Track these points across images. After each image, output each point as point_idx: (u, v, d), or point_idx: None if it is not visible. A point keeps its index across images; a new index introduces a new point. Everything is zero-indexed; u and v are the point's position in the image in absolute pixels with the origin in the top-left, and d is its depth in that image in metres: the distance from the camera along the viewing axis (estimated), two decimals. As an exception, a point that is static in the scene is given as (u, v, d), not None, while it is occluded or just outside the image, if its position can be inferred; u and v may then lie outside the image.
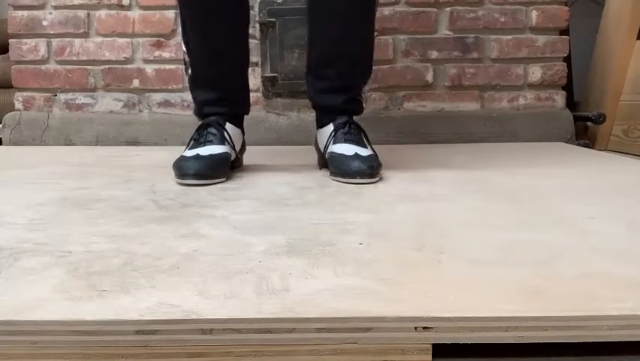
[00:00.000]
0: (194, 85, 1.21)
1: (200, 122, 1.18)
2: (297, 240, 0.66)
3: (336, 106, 1.18)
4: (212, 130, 1.14)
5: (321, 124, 1.22)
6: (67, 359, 0.44)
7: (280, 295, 0.49)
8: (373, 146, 1.16)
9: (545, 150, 1.55)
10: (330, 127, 1.17)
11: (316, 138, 1.25)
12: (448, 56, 1.81)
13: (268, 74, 1.79)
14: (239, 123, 1.23)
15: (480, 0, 1.80)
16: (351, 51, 1.16)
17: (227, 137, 1.15)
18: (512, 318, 0.44)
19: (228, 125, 1.17)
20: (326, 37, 1.17)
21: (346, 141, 1.12)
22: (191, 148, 1.11)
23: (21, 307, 0.46)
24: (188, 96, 1.83)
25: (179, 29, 1.73)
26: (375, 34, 1.71)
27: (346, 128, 1.15)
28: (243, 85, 1.25)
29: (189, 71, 1.20)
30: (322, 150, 1.19)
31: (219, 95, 1.18)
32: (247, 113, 1.27)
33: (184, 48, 1.19)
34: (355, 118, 1.20)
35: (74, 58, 1.83)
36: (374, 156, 1.10)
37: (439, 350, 0.45)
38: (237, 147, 1.20)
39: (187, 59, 1.20)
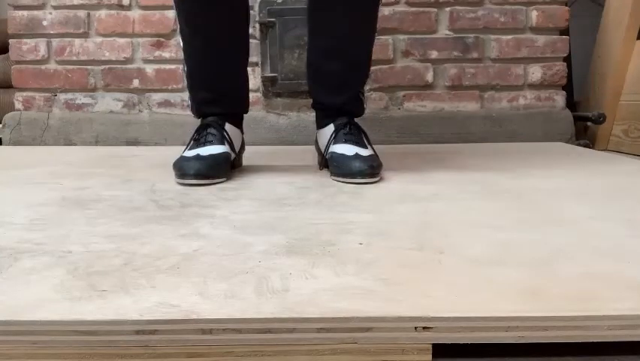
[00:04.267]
0: (192, 82, 1.20)
1: (199, 122, 1.19)
2: (297, 240, 0.66)
3: (336, 106, 1.18)
4: (212, 130, 1.14)
5: (321, 125, 1.22)
6: (67, 359, 0.44)
7: (280, 295, 0.49)
8: (373, 146, 1.16)
9: (545, 150, 1.55)
10: (331, 127, 1.17)
11: (316, 139, 1.25)
12: (448, 56, 1.81)
13: (268, 74, 1.79)
14: (238, 123, 1.23)
15: (480, 0, 1.80)
16: (351, 50, 1.16)
17: (227, 137, 1.15)
18: (512, 318, 0.44)
19: (228, 126, 1.17)
20: (327, 35, 1.16)
21: (347, 141, 1.12)
22: (192, 148, 1.11)
23: (21, 307, 0.46)
24: (187, 96, 1.84)
25: (179, 27, 1.75)
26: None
27: (347, 129, 1.15)
28: (241, 83, 1.24)
29: (186, 69, 1.20)
30: (323, 150, 1.19)
31: (217, 94, 1.17)
32: (246, 112, 1.27)
33: (182, 44, 1.19)
34: (356, 118, 1.20)
35: (74, 58, 1.83)
36: (374, 156, 1.10)
37: (439, 350, 0.45)
38: (237, 147, 1.20)
39: (184, 55, 1.19)
